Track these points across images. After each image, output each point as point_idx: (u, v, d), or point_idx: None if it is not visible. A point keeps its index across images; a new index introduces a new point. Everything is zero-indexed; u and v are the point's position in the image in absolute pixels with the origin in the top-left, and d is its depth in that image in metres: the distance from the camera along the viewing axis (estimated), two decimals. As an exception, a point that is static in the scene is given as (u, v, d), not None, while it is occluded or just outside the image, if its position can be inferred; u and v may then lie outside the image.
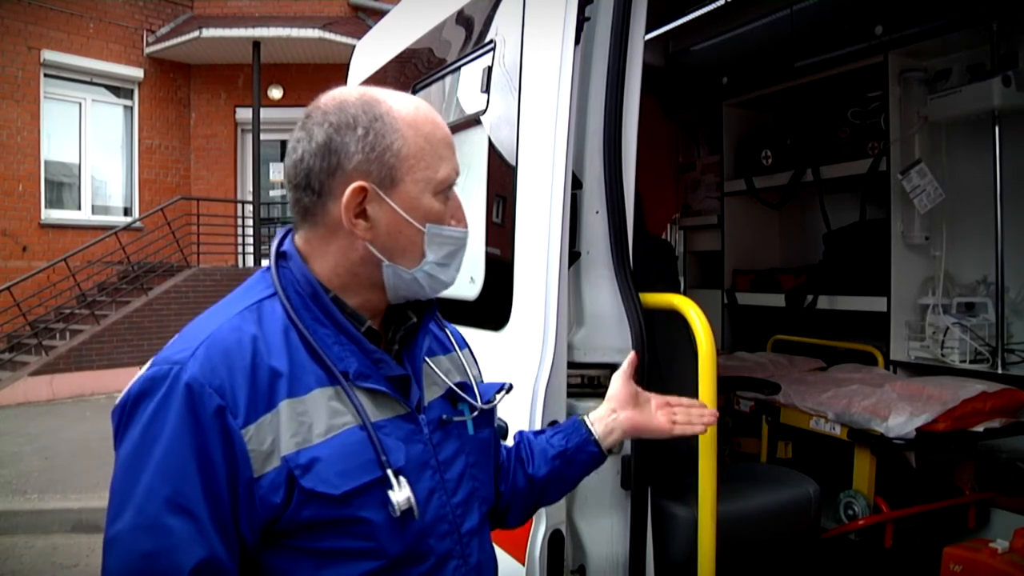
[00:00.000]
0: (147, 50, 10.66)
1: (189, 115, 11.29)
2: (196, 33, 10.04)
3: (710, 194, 4.65)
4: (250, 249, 10.69)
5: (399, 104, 1.00)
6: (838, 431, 2.91)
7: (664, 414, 1.31)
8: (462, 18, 2.32)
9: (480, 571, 1.08)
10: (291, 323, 0.97)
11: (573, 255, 1.82)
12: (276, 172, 11.17)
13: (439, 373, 1.12)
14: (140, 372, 0.93)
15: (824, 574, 2.70)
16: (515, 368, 1.74)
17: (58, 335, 8.98)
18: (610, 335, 1.82)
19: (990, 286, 3.24)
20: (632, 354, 1.39)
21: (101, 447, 5.90)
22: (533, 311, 1.76)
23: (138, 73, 10.65)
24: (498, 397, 1.19)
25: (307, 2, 10.96)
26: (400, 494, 0.94)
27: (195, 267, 10.00)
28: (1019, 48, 3.12)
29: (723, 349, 4.15)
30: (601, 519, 1.79)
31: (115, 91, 10.66)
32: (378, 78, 2.93)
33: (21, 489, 5.11)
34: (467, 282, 2.05)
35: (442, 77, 2.43)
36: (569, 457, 1.28)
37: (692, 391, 1.66)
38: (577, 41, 1.72)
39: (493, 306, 1.90)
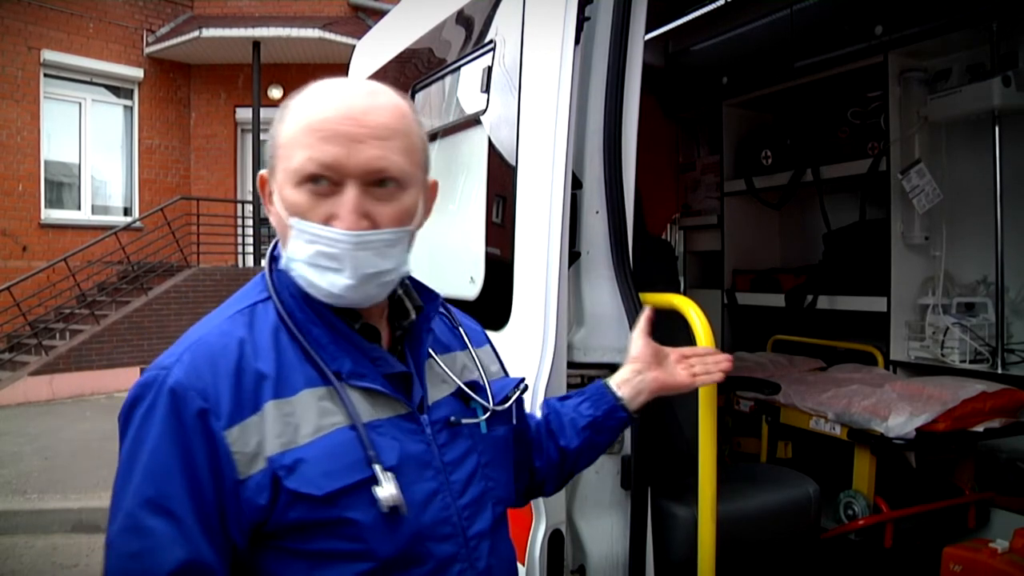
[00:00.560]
0: (147, 50, 10.67)
1: (189, 115, 11.29)
2: (196, 33, 10.04)
3: (710, 194, 4.65)
4: (250, 249, 10.68)
5: (310, 88, 0.97)
6: (838, 431, 2.91)
7: (683, 367, 1.33)
8: (462, 18, 2.32)
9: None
10: (283, 324, 0.97)
11: (573, 255, 1.82)
12: (276, 172, 11.15)
13: (448, 371, 1.09)
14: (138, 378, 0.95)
15: (824, 574, 2.70)
16: (515, 368, 1.73)
17: (58, 335, 8.99)
18: (610, 335, 1.82)
19: (990, 286, 3.24)
20: (648, 309, 1.38)
21: (101, 447, 5.91)
22: (533, 311, 1.76)
23: (138, 73, 10.65)
24: (514, 395, 1.15)
25: (307, 2, 10.97)
26: (385, 491, 0.91)
27: (195, 267, 10.00)
28: (1019, 48, 3.12)
29: (723, 349, 4.13)
30: (601, 519, 1.79)
31: (115, 91, 10.67)
32: (378, 78, 2.91)
33: (21, 489, 5.11)
34: (467, 282, 2.06)
35: (442, 77, 2.43)
36: (599, 425, 1.29)
37: (692, 391, 1.66)
38: (577, 41, 1.72)
39: (493, 306, 1.90)
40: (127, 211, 10.77)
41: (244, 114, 10.99)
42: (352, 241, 0.92)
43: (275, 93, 10.92)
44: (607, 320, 1.82)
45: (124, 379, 8.54)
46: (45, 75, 9.82)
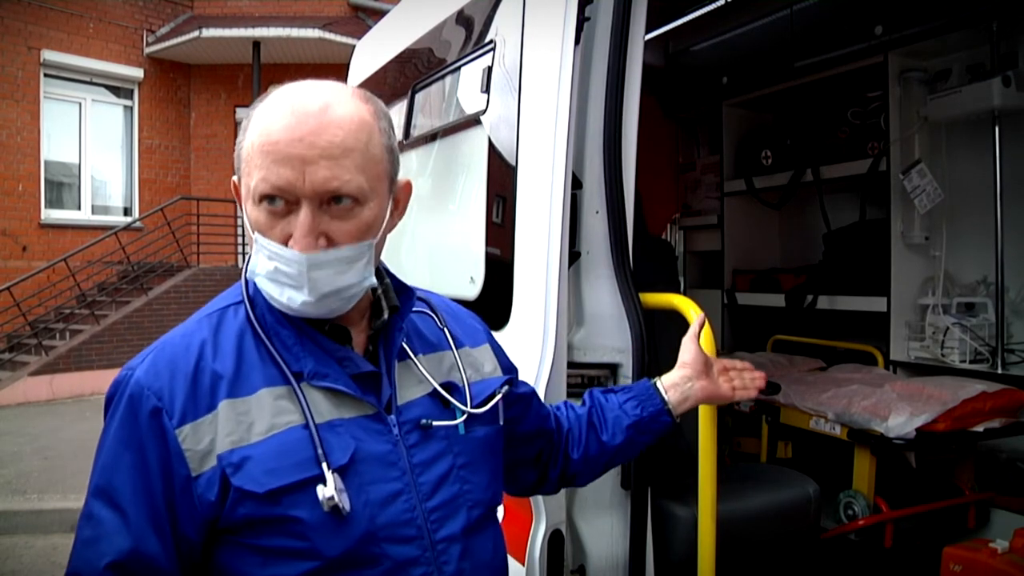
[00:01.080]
0: (147, 50, 10.67)
1: (189, 115, 11.30)
2: (196, 33, 10.04)
3: (710, 194, 4.65)
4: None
5: (269, 98, 0.98)
6: (838, 431, 2.91)
7: (725, 380, 1.35)
8: (462, 18, 2.32)
9: None
10: (249, 327, 0.99)
11: (573, 255, 1.82)
12: (276, 172, 11.17)
13: (426, 372, 1.07)
14: None
15: (824, 574, 2.70)
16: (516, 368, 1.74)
17: (58, 335, 8.99)
18: (610, 335, 1.82)
19: (990, 286, 3.24)
20: (701, 315, 1.41)
21: (101, 447, 5.90)
22: (533, 311, 1.76)
23: (138, 73, 10.65)
24: (497, 395, 1.13)
25: (307, 2, 10.97)
26: (326, 491, 0.91)
27: (195, 267, 10.01)
28: (1019, 48, 3.12)
29: (723, 349, 4.14)
30: (601, 519, 1.79)
31: (115, 91, 10.67)
32: (378, 78, 2.94)
33: (21, 489, 5.11)
34: (467, 282, 2.06)
35: (442, 77, 2.43)
36: (644, 426, 1.30)
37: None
38: (577, 41, 1.72)
39: (493, 306, 1.89)
40: (127, 211, 10.77)
41: (244, 114, 10.92)
42: (307, 263, 0.92)
43: (275, 93, 10.91)
44: (607, 320, 1.82)
45: (124, 379, 8.53)
46: (45, 75, 9.82)
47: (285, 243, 0.94)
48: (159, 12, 10.84)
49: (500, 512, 1.14)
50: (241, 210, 1.02)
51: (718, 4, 3.86)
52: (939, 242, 3.35)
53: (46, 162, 9.88)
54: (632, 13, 1.81)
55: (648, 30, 2.02)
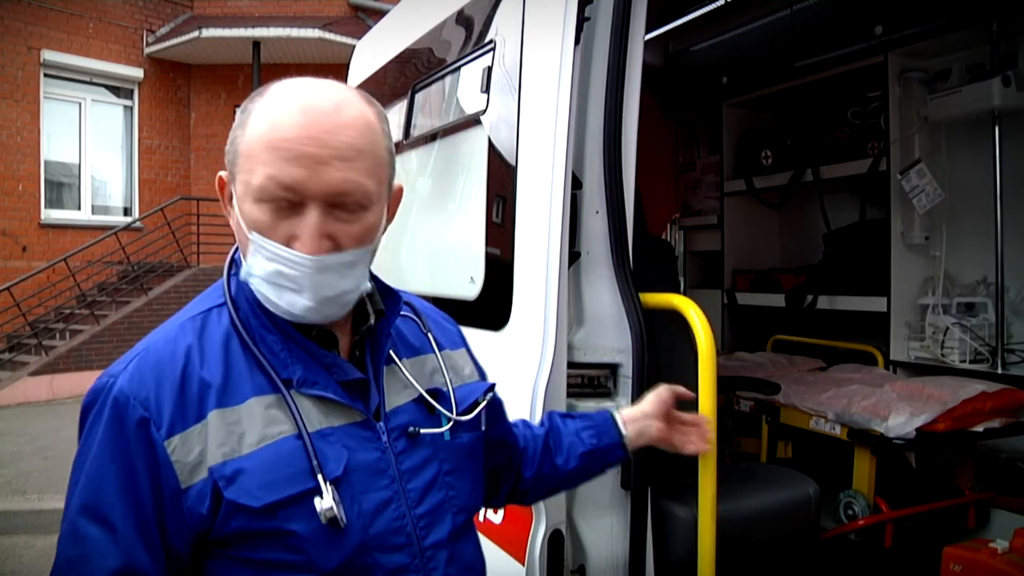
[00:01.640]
0: (147, 50, 10.67)
1: (189, 115, 11.29)
2: (196, 33, 10.04)
3: (710, 194, 4.65)
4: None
5: (273, 92, 0.95)
6: (838, 431, 2.91)
7: (677, 433, 1.36)
8: (462, 18, 2.32)
9: None
10: (235, 331, 0.95)
11: (573, 255, 1.82)
12: (276, 172, 11.18)
13: (410, 377, 1.06)
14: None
15: (824, 574, 2.70)
16: (515, 368, 1.74)
17: (58, 335, 8.99)
18: (610, 335, 1.82)
19: (990, 286, 3.24)
20: (691, 394, 1.42)
21: (101, 447, 5.90)
22: (533, 311, 1.76)
23: (138, 73, 10.65)
24: (482, 403, 1.11)
25: (307, 2, 10.96)
26: (324, 503, 0.89)
27: (195, 267, 10.00)
28: (1019, 48, 3.12)
29: (723, 349, 4.15)
30: (601, 519, 1.79)
31: (115, 91, 10.67)
32: (378, 78, 2.94)
33: (21, 489, 5.11)
34: (467, 282, 2.06)
35: (442, 77, 2.43)
36: (598, 456, 1.30)
37: (692, 391, 1.66)
38: (577, 41, 1.72)
39: (493, 306, 1.89)
40: (127, 211, 10.77)
41: (243, 113, 10.99)
42: (314, 265, 0.90)
43: (275, 93, 10.92)
44: (607, 320, 1.82)
45: (124, 379, 8.53)
46: (45, 75, 9.82)
47: (287, 244, 0.91)
48: (159, 12, 10.84)
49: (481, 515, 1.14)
50: (226, 207, 0.99)
51: (718, 4, 3.87)
52: (939, 242, 3.36)
53: (46, 162, 9.88)
54: (632, 13, 1.81)
55: (648, 30, 2.02)
